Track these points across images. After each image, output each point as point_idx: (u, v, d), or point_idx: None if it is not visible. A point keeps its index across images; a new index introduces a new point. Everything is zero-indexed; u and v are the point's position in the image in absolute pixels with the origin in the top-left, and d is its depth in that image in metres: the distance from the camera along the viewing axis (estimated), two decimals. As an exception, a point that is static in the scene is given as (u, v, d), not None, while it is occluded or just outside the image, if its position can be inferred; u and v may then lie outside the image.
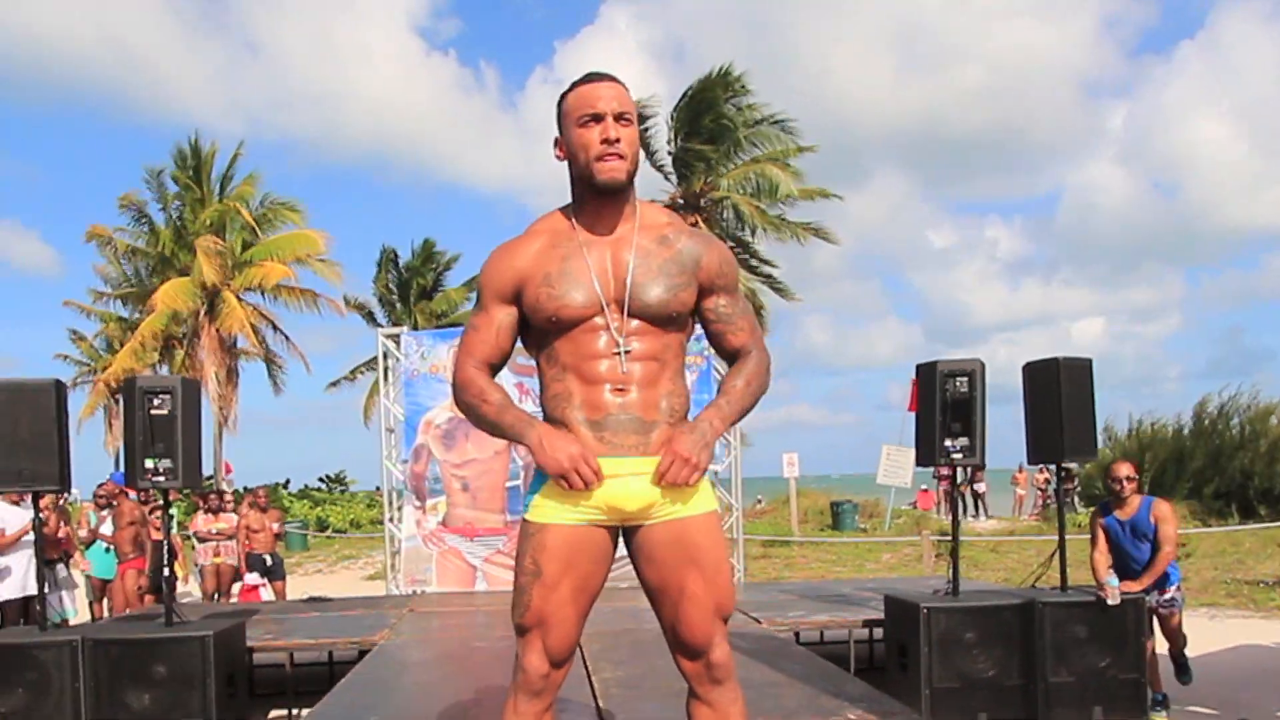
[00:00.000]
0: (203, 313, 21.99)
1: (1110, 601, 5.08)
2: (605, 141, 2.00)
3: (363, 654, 5.60)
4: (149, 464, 5.26)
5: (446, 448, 8.47)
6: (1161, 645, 5.68)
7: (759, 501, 25.34)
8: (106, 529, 9.17)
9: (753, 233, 23.95)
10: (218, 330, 21.97)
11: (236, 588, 9.47)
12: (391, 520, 8.95)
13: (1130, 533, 5.56)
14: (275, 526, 9.41)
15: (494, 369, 2.11)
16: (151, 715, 4.83)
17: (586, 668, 4.70)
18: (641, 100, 23.53)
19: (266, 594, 9.25)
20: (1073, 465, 20.13)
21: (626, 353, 2.02)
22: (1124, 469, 5.68)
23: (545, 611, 2.04)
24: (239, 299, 22.04)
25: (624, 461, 2.00)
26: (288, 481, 26.52)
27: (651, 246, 2.07)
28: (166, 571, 5.43)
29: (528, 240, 2.09)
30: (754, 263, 24.78)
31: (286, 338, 24.05)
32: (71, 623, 7.53)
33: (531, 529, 2.05)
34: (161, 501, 9.34)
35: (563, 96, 2.07)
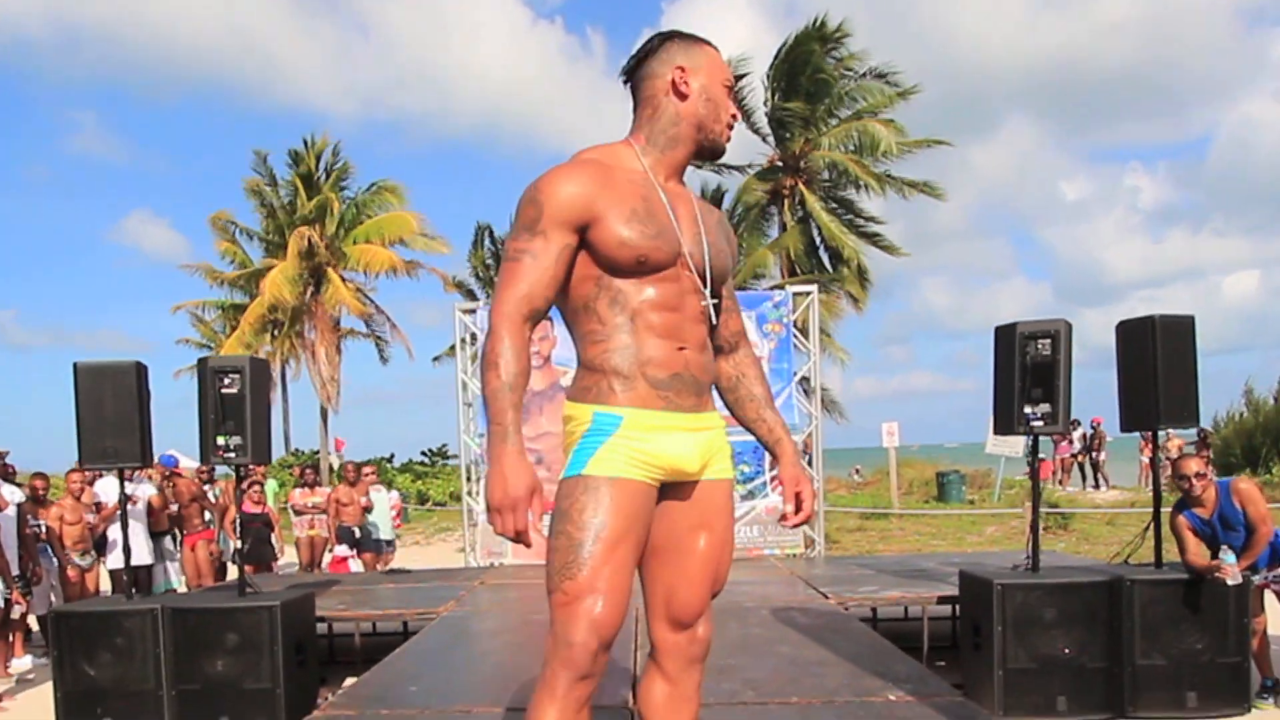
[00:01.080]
0: (309, 293, 22.84)
1: (1230, 582, 4.74)
2: (734, 116, 2.01)
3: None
4: (220, 441, 5.53)
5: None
6: (1275, 626, 5.36)
7: (856, 472, 24.93)
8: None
9: (857, 189, 23.38)
10: (323, 310, 22.78)
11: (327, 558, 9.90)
12: (470, 494, 9.12)
13: (1221, 526, 5.17)
14: (365, 500, 9.75)
15: (539, 313, 1.84)
16: (225, 680, 5.11)
17: (636, 640, 4.72)
18: (733, 59, 23.19)
19: (355, 565, 9.61)
20: (1208, 429, 18.85)
21: (713, 307, 1.95)
22: (1192, 465, 5.24)
23: (603, 574, 1.78)
24: (343, 279, 22.86)
25: (686, 418, 1.92)
26: (392, 456, 27.49)
27: (706, 214, 2.01)
28: (237, 544, 5.69)
29: (598, 168, 1.87)
30: (859, 221, 24.23)
31: (388, 319, 24.84)
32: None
33: (591, 483, 1.81)
34: (256, 478, 9.95)
35: (700, 43, 1.98)
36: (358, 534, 9.65)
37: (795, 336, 8.93)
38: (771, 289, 10.42)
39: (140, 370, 5.64)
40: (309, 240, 22.19)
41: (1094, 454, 19.52)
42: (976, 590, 5.06)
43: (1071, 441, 19.90)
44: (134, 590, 7.72)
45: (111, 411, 5.53)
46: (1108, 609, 4.84)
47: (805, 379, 9.51)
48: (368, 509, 9.72)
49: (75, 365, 5.51)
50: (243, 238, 24.59)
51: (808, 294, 9.04)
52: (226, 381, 5.57)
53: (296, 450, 27.56)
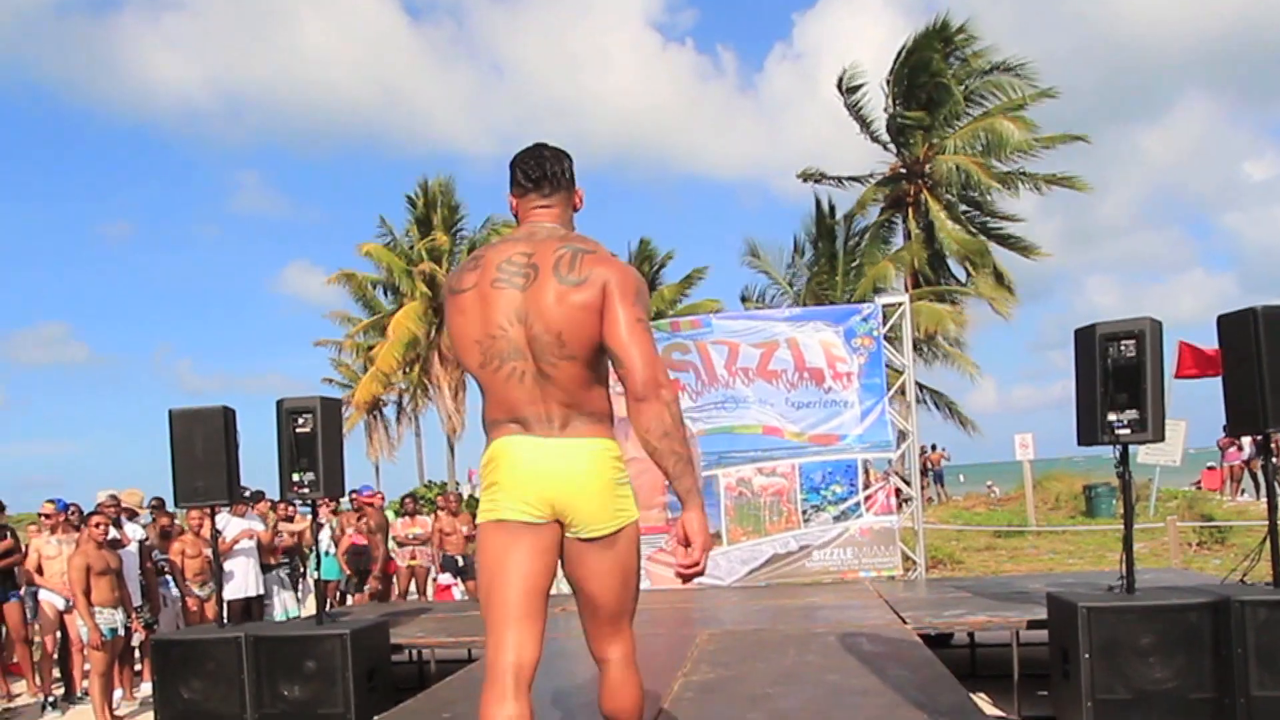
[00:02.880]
0: (433, 331, 23.87)
1: None
2: None
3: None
4: (295, 477, 5.91)
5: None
6: None
7: (990, 489, 23.94)
8: (324, 535, 10.27)
9: (983, 194, 22.63)
10: (446, 348, 23.75)
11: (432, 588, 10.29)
12: None
13: None
14: (465, 530, 10.09)
15: None
16: (302, 705, 5.41)
17: (683, 668, 4.77)
18: (848, 69, 22.95)
19: (458, 593, 9.95)
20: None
21: None
22: None
23: None
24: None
25: None
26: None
27: None
28: (315, 574, 6.03)
29: None
30: (993, 223, 23.46)
31: None
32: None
33: None
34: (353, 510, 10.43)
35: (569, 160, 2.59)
36: (461, 562, 9.96)
37: (887, 349, 8.73)
38: (857, 302, 10.21)
39: (228, 414, 6.08)
40: (429, 276, 23.13)
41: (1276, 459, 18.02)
42: (1063, 614, 4.85)
43: (1241, 448, 18.47)
44: (249, 620, 8.28)
45: (202, 453, 5.98)
46: (1213, 634, 4.51)
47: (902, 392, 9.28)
48: (470, 536, 10.05)
49: (170, 412, 5.99)
50: (371, 285, 25.92)
51: (899, 305, 8.84)
52: (300, 421, 5.90)
53: (429, 482, 28.71)
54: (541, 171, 2.51)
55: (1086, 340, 5.09)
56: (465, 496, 24.55)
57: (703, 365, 8.67)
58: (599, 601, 2.45)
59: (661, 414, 2.30)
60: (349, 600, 9.92)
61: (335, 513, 10.35)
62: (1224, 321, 5.03)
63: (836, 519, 8.49)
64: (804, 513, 8.50)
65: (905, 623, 5.85)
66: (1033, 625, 5.49)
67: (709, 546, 2.35)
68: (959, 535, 15.96)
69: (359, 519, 10.02)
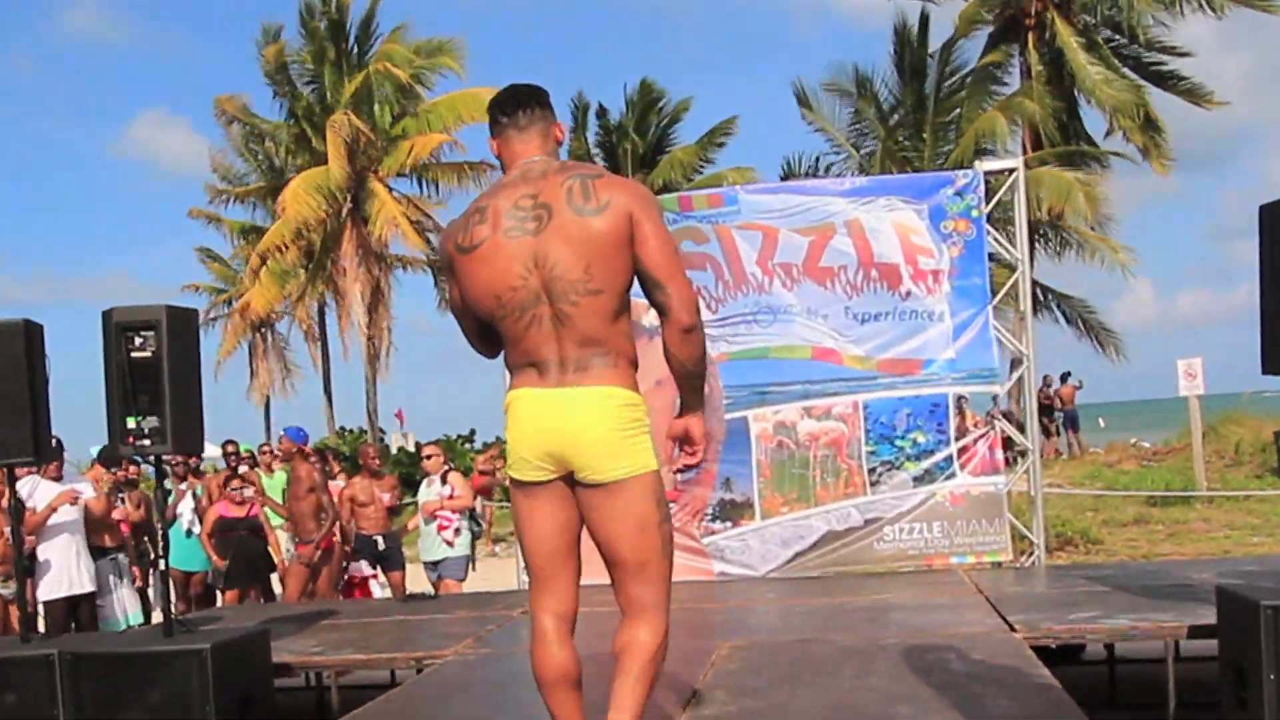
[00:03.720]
0: (344, 212, 23.62)
1: None
2: None
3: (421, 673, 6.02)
4: (130, 423, 5.73)
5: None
6: None
7: (1135, 444, 23.94)
8: (185, 506, 10.24)
9: (1136, 15, 22.23)
10: (363, 233, 23.56)
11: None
12: None
13: None
14: (389, 498, 10.03)
15: None
16: (143, 751, 5.35)
17: (690, 697, 4.78)
18: None
19: (379, 589, 9.94)
20: None
21: None
22: None
23: None
24: (389, 189, 23.50)
25: None
26: (472, 433, 28.25)
27: None
28: (163, 562, 5.93)
29: None
30: (1148, 59, 23.12)
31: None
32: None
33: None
34: (182, 471, 10.35)
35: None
36: (382, 545, 9.95)
37: (993, 236, 8.60)
38: (955, 170, 9.99)
39: (32, 333, 5.89)
40: (347, 132, 22.73)
41: None
42: (1239, 617, 4.81)
43: None
44: (75, 626, 8.25)
45: (-8, 389, 5.81)
46: None
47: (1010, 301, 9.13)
48: (393, 507, 10.01)
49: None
50: (252, 139, 25.51)
51: (1008, 172, 8.62)
52: (138, 342, 5.70)
53: (342, 429, 28.83)
54: (516, 103, 3.43)
55: (1277, 221, 5.03)
56: (394, 450, 24.65)
57: (726, 260, 8.58)
58: (612, 550, 3.32)
59: (700, 344, 3.31)
60: (219, 600, 9.90)
61: (197, 474, 10.29)
62: (1268, 211, 5.08)
63: (918, 480, 8.48)
64: (872, 472, 8.49)
65: (1014, 630, 5.82)
66: (1197, 633, 5.48)
67: (706, 443, 3.46)
68: (1097, 503, 15.99)
69: (226, 481, 9.97)
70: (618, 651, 3.35)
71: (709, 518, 8.60)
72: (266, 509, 10.37)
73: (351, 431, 27.78)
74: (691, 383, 3.34)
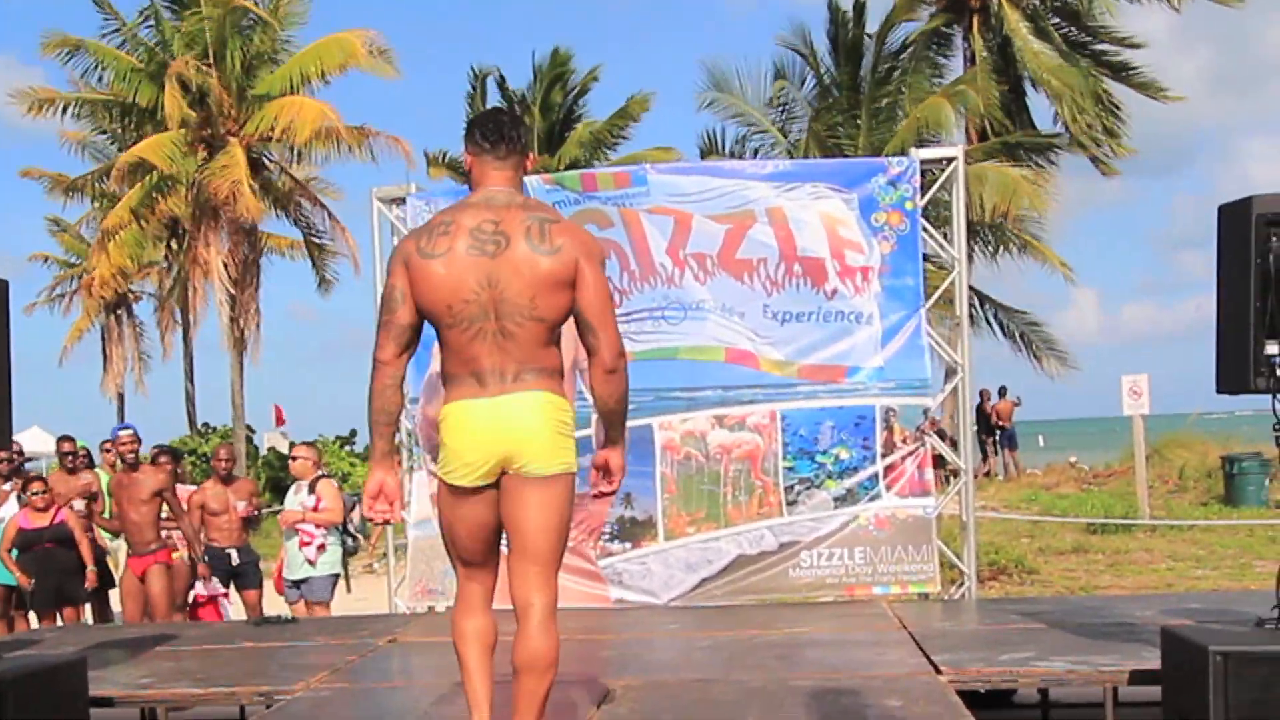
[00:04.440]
0: (198, 180, 23.11)
1: None
2: None
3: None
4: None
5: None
6: None
7: (1071, 464, 24.37)
8: (8, 510, 9.90)
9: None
10: (221, 200, 22.83)
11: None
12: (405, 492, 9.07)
13: None
14: (244, 507, 9.76)
15: None
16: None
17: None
18: None
19: (230, 610, 9.70)
20: None
21: None
22: None
23: None
24: (249, 153, 23.04)
25: None
26: (353, 434, 27.83)
27: None
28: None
29: None
30: (1100, 48, 23.51)
31: (328, 213, 25.22)
32: None
33: None
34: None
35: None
36: (236, 560, 9.74)
37: (928, 233, 8.58)
38: (888, 156, 9.97)
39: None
40: (197, 85, 22.18)
41: None
42: (1186, 663, 4.88)
43: None
44: None
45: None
46: None
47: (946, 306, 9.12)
48: (250, 517, 9.80)
49: None
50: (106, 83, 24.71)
51: (946, 161, 8.60)
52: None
53: (205, 425, 28.31)
54: (499, 135, 4.17)
55: (1237, 224, 5.13)
56: (264, 450, 24.22)
57: (633, 247, 8.50)
58: (529, 539, 4.03)
59: (623, 382, 4.08)
60: (34, 621, 9.70)
61: (19, 473, 10.07)
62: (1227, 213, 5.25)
63: (840, 501, 8.43)
64: (789, 490, 8.43)
65: (939, 672, 5.80)
66: (1139, 678, 5.51)
67: (623, 475, 4.32)
68: (1033, 529, 16.18)
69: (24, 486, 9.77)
70: (520, 665, 4.00)
71: (606, 537, 8.49)
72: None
73: (215, 429, 27.26)
74: (613, 418, 4.16)
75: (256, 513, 9.86)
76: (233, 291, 23.24)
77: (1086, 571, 13.37)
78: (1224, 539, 14.76)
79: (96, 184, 26.42)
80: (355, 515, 10.56)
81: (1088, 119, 22.26)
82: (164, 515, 9.70)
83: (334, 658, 6.78)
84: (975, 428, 25.55)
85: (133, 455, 9.80)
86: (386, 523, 4.56)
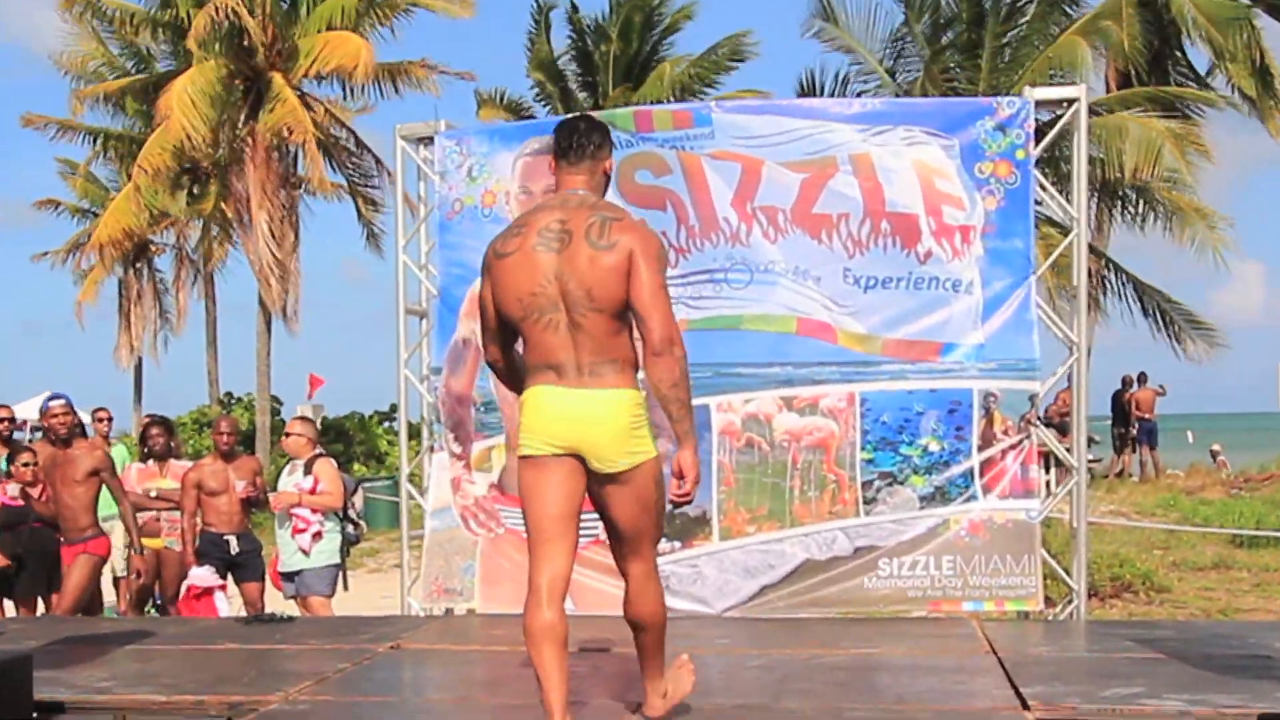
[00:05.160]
0: (241, 120, 23.28)
1: None
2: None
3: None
4: None
5: (512, 347, 8.58)
6: None
7: (1213, 455, 23.87)
8: None
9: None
10: (264, 148, 23.19)
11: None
12: (413, 481, 9.19)
13: None
14: (244, 487, 9.69)
15: None
16: None
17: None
18: None
19: (225, 605, 9.60)
20: None
21: None
22: None
23: None
24: (298, 91, 23.25)
25: None
26: (393, 409, 27.74)
27: None
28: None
29: None
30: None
31: (378, 163, 25.23)
32: None
33: None
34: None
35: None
36: (236, 549, 9.73)
37: (1043, 187, 8.40)
38: (993, 97, 9.65)
39: None
40: (234, 22, 22.40)
41: None
42: None
43: None
44: None
45: None
46: None
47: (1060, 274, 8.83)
48: (251, 499, 9.83)
49: None
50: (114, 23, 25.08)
51: (1067, 103, 8.38)
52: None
53: (228, 395, 28.54)
54: (569, 142, 4.96)
55: None
56: (295, 427, 24.43)
57: (692, 198, 8.42)
58: (618, 526, 4.90)
59: (673, 368, 4.73)
60: (11, 609, 9.79)
61: (8, 443, 10.23)
62: None
63: (927, 501, 8.33)
64: (867, 486, 8.36)
65: (1027, 707, 5.71)
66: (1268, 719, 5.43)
67: (699, 480, 4.96)
68: (1170, 540, 15.94)
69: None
70: (633, 624, 5.04)
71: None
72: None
73: (240, 399, 27.53)
74: (669, 406, 4.78)
75: (260, 495, 9.75)
76: (273, 245, 23.44)
77: (1228, 591, 13.14)
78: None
79: (118, 103, 26.39)
80: (357, 500, 10.44)
81: (1243, 74, 21.71)
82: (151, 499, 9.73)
83: (325, 664, 6.78)
84: (1110, 420, 25.19)
85: (65, 430, 9.80)
86: None
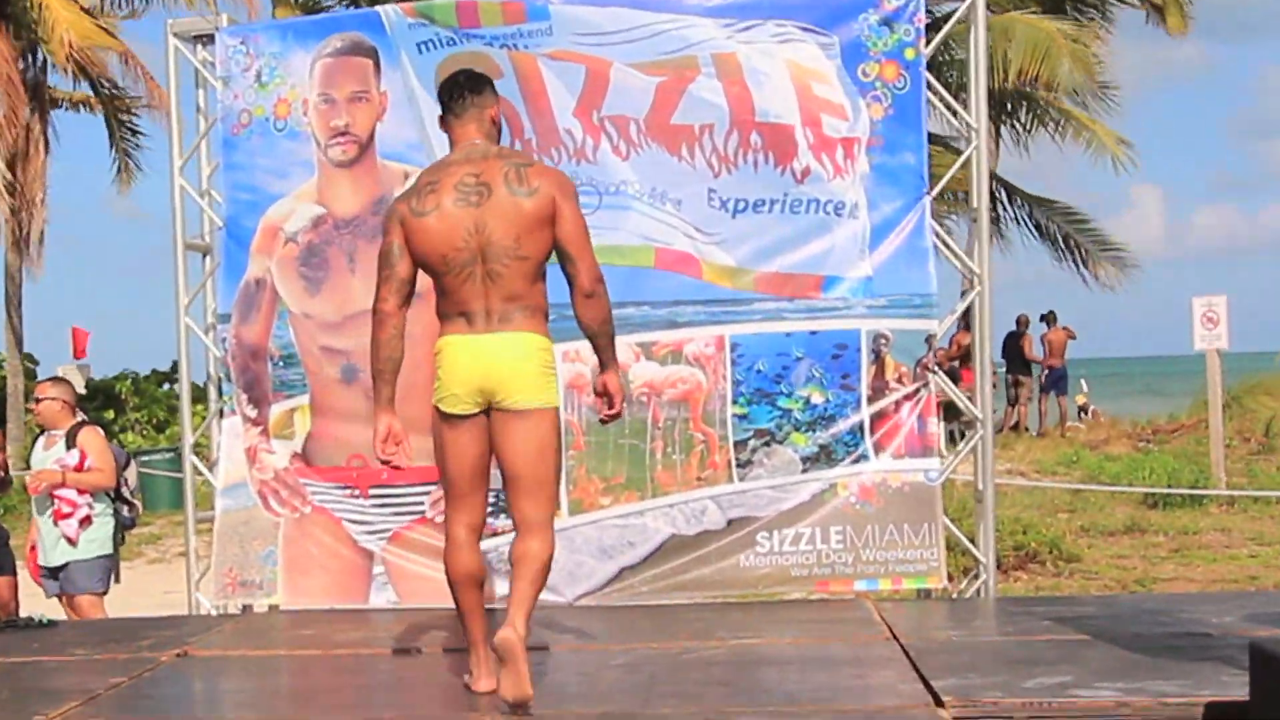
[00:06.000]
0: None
1: None
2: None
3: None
4: None
5: (311, 288, 8.61)
6: None
7: (1086, 409, 24.43)
8: None
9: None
10: (10, 49, 22.79)
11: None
12: (197, 454, 9.23)
13: None
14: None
15: None
16: None
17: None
18: None
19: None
20: None
21: None
22: None
23: None
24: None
25: None
26: (174, 368, 27.38)
27: None
28: None
29: None
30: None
31: (141, 71, 24.94)
32: None
33: None
34: None
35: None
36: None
37: (936, 93, 8.47)
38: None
39: None
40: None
41: None
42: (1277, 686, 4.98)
43: None
44: None
45: None
46: None
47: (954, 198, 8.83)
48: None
49: None
50: None
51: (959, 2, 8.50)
52: None
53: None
54: (450, 96, 5.90)
55: None
56: (47, 390, 24.08)
57: (528, 106, 8.44)
58: (517, 469, 5.62)
59: (605, 306, 5.74)
60: None
61: None
62: None
63: (811, 462, 8.40)
64: (741, 446, 8.42)
65: (940, 704, 5.71)
66: (1218, 713, 5.51)
67: (625, 399, 6.09)
68: (1075, 502, 16.36)
69: None
70: (515, 560, 5.63)
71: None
72: None
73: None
74: (600, 340, 5.76)
75: (2, 472, 9.45)
76: (9, 176, 23.03)
77: (1144, 559, 13.39)
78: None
79: None
80: (130, 475, 10.16)
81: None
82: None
83: (95, 679, 6.59)
84: (1005, 367, 25.51)
85: None
86: (397, 468, 6.04)
